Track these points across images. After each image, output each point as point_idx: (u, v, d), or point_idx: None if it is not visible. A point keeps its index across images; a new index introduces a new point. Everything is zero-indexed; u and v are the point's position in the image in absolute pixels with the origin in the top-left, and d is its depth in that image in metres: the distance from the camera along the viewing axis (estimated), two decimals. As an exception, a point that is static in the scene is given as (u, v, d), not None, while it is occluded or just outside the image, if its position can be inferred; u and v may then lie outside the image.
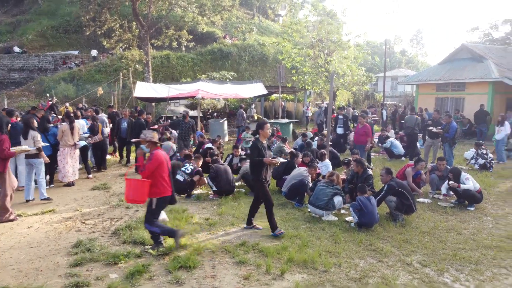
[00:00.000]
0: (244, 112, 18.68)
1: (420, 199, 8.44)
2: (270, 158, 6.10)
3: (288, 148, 12.11)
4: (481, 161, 11.95)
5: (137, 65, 25.20)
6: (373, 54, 61.02)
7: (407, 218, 7.08)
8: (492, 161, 12.13)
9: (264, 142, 6.20)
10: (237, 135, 17.30)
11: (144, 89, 17.76)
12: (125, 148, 12.73)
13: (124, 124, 12.34)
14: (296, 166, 8.96)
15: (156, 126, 15.00)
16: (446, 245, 5.92)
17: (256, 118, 20.54)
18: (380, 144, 15.45)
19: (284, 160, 8.19)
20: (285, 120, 20.31)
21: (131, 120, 12.45)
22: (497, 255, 5.53)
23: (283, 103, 23.08)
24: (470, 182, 8.00)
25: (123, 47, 26.52)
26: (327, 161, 9.73)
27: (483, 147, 12.38)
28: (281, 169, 8.88)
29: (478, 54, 22.28)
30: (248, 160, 9.13)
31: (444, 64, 24.27)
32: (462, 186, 7.92)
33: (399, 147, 14.06)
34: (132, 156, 12.51)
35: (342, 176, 8.43)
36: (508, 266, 5.21)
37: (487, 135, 18.06)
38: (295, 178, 8.09)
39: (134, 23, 24.69)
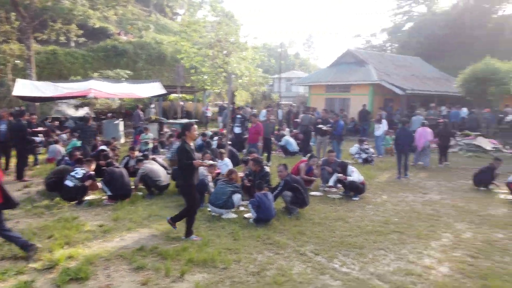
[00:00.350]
0: (142, 113, 18.02)
1: (312, 192, 9.03)
2: (200, 161, 5.99)
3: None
4: (364, 156, 13.21)
5: (16, 61, 22.65)
6: (269, 56, 63.29)
7: (302, 211, 7.52)
8: (373, 155, 13.51)
9: (191, 144, 6.04)
10: (134, 136, 16.61)
11: (25, 88, 16.02)
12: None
13: (3, 127, 11.01)
14: (196, 166, 8.91)
15: (41, 128, 13.71)
16: (335, 233, 6.43)
17: (153, 118, 19.94)
18: (276, 142, 16.17)
19: (213, 162, 8.07)
20: (185, 121, 20.10)
21: (11, 122, 11.15)
22: (377, 239, 6.18)
23: (181, 103, 22.76)
24: (355, 175, 8.80)
25: (0, 40, 23.62)
26: (227, 160, 9.88)
27: (365, 143, 13.71)
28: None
29: (360, 59, 24.58)
30: (146, 162, 8.89)
31: (332, 67, 26.28)
32: (349, 178, 8.69)
33: (294, 145, 14.87)
34: (13, 161, 11.23)
35: (241, 174, 8.63)
36: (386, 247, 5.85)
37: (368, 132, 20.01)
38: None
39: (13, 13, 22.13)
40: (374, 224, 6.90)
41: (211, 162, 7.55)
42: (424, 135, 12.38)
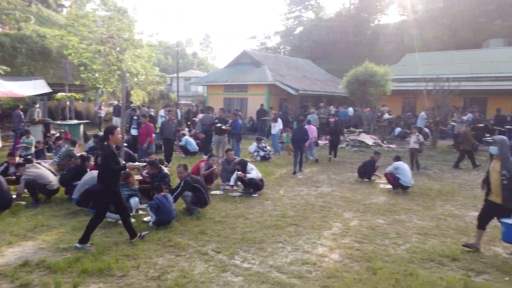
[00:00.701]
0: (22, 113, 16.21)
1: (213, 192, 9.10)
2: (132, 164, 5.81)
3: (78, 152, 11.14)
4: (262, 153, 13.69)
5: None
6: (166, 55, 61.97)
7: (203, 210, 7.51)
8: (270, 153, 14.08)
9: (113, 147, 5.70)
10: (14, 140, 14.87)
11: None
12: None
13: None
14: (88, 170, 8.36)
15: None
16: (236, 230, 6.56)
17: (38, 119, 18.09)
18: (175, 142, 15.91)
19: (144, 164, 7.55)
20: (74, 121, 18.66)
21: None
22: (276, 233, 6.46)
23: (68, 103, 21.05)
24: (254, 172, 9.08)
25: None
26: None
27: (263, 141, 14.22)
28: (70, 175, 8.15)
29: (256, 60, 25.39)
30: (30, 166, 8.02)
31: (230, 67, 26.70)
32: (248, 175, 8.93)
33: (194, 144, 14.79)
34: None
35: (138, 177, 8.31)
36: (284, 240, 6.14)
37: (266, 130, 20.77)
38: (88, 183, 7.53)
39: None
40: (272, 219, 7.20)
41: (143, 164, 7.25)
42: (310, 132, 13.13)
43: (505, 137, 5.91)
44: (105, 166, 5.61)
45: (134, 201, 6.89)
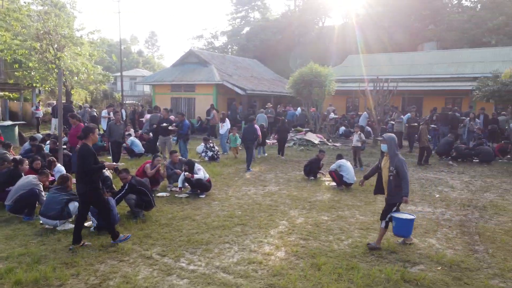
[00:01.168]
0: None
1: (159, 194, 8.90)
2: (112, 163, 5.70)
3: (13, 155, 10.44)
4: (210, 154, 13.59)
5: None
6: (109, 53, 59.77)
7: (148, 213, 7.32)
8: (218, 153, 14.02)
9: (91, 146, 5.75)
10: None
11: None
12: None
13: None
14: (23, 174, 7.85)
15: None
16: (182, 232, 6.46)
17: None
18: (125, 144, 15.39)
19: (122, 164, 7.20)
20: (8, 122, 17.44)
21: None
22: (223, 233, 6.44)
23: None
24: (201, 173, 8.99)
25: None
26: (59, 167, 8.93)
27: (210, 141, 14.13)
28: (2, 179, 7.61)
29: (203, 60, 25.18)
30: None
31: (176, 67, 26.25)
32: (195, 176, 8.82)
33: (139, 146, 14.37)
34: None
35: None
36: (231, 240, 6.14)
37: (215, 130, 20.64)
38: (23, 188, 7.08)
39: None
40: (219, 219, 7.16)
41: (122, 164, 6.92)
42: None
43: (393, 135, 6.00)
44: (85, 165, 5.51)
45: (74, 206, 6.54)
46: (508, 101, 13.96)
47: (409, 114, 17.85)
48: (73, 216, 6.66)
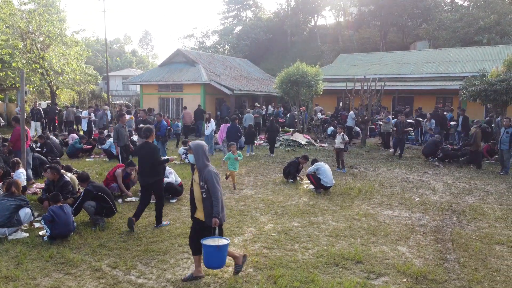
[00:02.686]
0: None
1: (128, 198, 8.58)
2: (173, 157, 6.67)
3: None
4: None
5: None
6: (103, 53, 59.31)
7: (110, 220, 7.00)
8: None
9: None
10: None
11: None
12: None
13: None
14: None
15: None
16: (141, 241, 6.13)
17: None
18: (99, 146, 15.07)
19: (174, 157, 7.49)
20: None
21: None
22: (183, 242, 6.10)
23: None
24: (172, 176, 8.67)
25: None
26: (20, 170, 8.54)
27: (190, 143, 13.78)
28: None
29: (191, 59, 24.83)
30: None
31: (164, 66, 25.90)
32: (166, 180, 8.46)
33: (119, 148, 14.00)
34: None
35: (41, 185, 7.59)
36: (190, 250, 5.81)
37: (201, 131, 20.33)
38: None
39: None
40: (184, 226, 6.84)
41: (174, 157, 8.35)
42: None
43: (201, 143, 5.03)
44: (155, 159, 6.58)
45: (25, 212, 6.19)
46: (494, 101, 13.68)
47: (397, 119, 17.43)
48: (25, 224, 6.32)
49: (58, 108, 21.66)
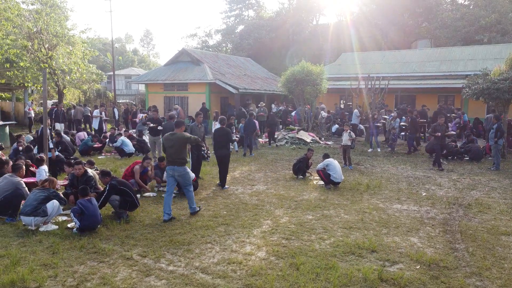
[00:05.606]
0: None
1: (146, 194, 8.90)
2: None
3: (2, 156, 10.41)
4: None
5: None
6: (104, 52, 59.54)
7: (133, 213, 7.32)
8: (209, 152, 14.01)
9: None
10: None
11: None
12: None
13: None
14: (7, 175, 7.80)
15: None
16: (165, 233, 6.45)
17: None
18: (111, 144, 15.38)
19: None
20: (-1, 123, 17.37)
21: None
22: (205, 233, 6.44)
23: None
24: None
25: None
26: (42, 167, 8.88)
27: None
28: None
29: (196, 58, 25.11)
30: None
31: (169, 66, 26.17)
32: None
33: (130, 145, 14.34)
34: None
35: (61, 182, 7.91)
36: (213, 240, 6.14)
37: (208, 129, 20.63)
38: (6, 189, 7.06)
39: None
40: (204, 219, 7.17)
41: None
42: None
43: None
44: (226, 136, 9.65)
45: (53, 204, 6.49)
46: (496, 99, 13.98)
47: (403, 118, 17.59)
48: (53, 216, 6.62)
49: (67, 107, 21.96)
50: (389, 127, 16.25)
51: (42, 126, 10.16)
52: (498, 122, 12.86)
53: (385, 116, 17.45)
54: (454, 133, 14.67)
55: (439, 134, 12.29)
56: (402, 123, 16.58)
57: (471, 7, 34.95)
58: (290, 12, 42.02)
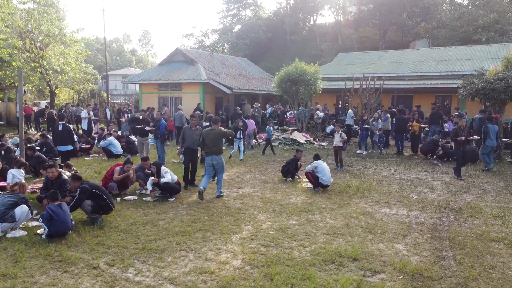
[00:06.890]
0: None
1: (127, 197, 8.61)
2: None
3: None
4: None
5: None
6: (103, 52, 59.28)
7: (108, 218, 7.02)
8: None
9: None
10: None
11: None
12: None
13: None
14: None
15: None
16: (139, 239, 6.15)
17: None
18: (99, 145, 15.07)
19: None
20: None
21: None
22: (181, 240, 6.13)
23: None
24: (168, 175, 8.67)
25: None
26: (15, 169, 8.57)
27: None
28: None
29: (190, 58, 24.84)
30: None
31: (163, 65, 25.90)
32: (162, 180, 8.51)
33: (118, 146, 14.04)
34: None
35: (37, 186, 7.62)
36: (188, 248, 5.84)
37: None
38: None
39: None
40: (182, 224, 6.87)
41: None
42: (250, 124, 16.62)
43: None
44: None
45: (22, 210, 6.20)
46: (492, 99, 13.67)
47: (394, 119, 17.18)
48: (21, 222, 6.32)
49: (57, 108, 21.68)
50: (372, 129, 15.47)
51: (61, 122, 10.80)
52: (488, 123, 12.67)
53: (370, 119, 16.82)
54: (478, 137, 12.70)
55: (463, 138, 10.92)
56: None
57: (469, 7, 34.65)
58: (287, 12, 41.73)
